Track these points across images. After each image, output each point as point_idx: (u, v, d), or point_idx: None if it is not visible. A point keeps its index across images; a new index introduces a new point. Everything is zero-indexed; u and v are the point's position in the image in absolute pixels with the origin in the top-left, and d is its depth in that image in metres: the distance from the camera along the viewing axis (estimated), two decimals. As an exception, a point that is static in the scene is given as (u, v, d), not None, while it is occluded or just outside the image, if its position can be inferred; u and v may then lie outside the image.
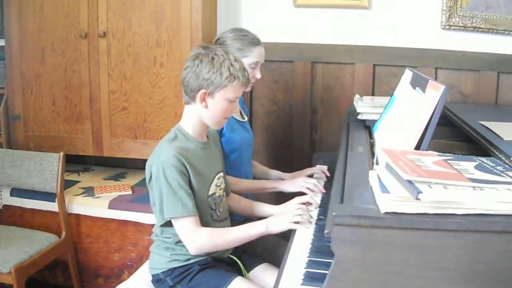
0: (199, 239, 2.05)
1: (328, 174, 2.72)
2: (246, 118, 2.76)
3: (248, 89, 2.65)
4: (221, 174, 2.30)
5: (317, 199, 2.37)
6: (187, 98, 2.16)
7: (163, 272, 2.17)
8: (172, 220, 2.05)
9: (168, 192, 2.02)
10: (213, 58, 2.08)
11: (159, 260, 2.19)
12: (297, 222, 2.05)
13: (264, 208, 2.40)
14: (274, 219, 2.10)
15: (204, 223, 2.11)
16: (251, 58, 2.58)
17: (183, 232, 2.06)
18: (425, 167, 1.45)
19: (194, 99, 2.12)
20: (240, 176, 2.61)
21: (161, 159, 2.03)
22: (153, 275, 2.22)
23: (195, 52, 2.14)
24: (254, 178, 2.87)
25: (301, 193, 2.46)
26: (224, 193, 2.32)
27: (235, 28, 2.78)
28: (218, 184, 2.25)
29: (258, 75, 2.66)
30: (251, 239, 2.12)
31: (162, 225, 2.10)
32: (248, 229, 2.10)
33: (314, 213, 2.22)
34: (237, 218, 2.52)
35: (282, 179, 2.81)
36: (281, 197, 2.63)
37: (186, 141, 2.15)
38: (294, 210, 2.14)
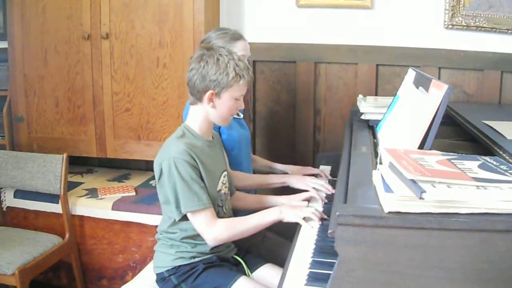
0: (217, 230, 2.07)
1: (329, 177, 2.71)
2: (242, 115, 2.79)
3: None
4: (226, 173, 2.31)
5: (318, 205, 2.35)
6: (193, 99, 2.17)
7: (167, 270, 2.17)
8: (188, 214, 2.07)
9: (183, 187, 2.04)
10: (218, 59, 2.09)
11: (164, 258, 2.20)
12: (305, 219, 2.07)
13: (271, 199, 2.42)
14: (288, 209, 2.13)
15: None
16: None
17: (201, 224, 2.08)
18: (429, 167, 1.45)
19: (201, 100, 2.14)
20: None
21: (172, 155, 2.05)
22: (157, 274, 2.22)
23: (199, 53, 2.15)
24: (256, 172, 2.88)
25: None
26: (229, 192, 2.33)
27: (218, 28, 2.83)
28: (224, 182, 2.27)
29: None
30: (266, 226, 2.15)
31: (179, 220, 2.11)
32: (262, 217, 2.13)
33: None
34: (242, 214, 2.53)
35: (286, 173, 2.84)
36: (286, 193, 2.63)
37: (194, 138, 2.17)
38: (309, 207, 2.17)
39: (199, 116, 2.19)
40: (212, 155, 2.21)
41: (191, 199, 2.04)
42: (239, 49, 2.61)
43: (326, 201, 2.36)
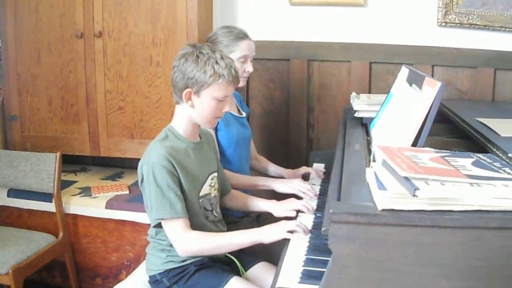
0: (187, 242, 2.02)
1: (322, 177, 2.70)
2: (244, 114, 2.77)
3: (241, 84, 2.61)
4: (215, 174, 2.26)
5: (313, 203, 2.34)
6: (176, 97, 2.13)
7: (159, 273, 2.15)
8: (162, 222, 2.03)
9: (157, 193, 1.99)
10: (197, 57, 2.04)
11: (155, 261, 2.18)
12: (292, 232, 1.99)
13: (257, 203, 2.40)
14: (269, 228, 2.04)
15: (198, 224, 2.09)
16: (238, 52, 2.60)
17: (172, 234, 2.03)
18: (422, 164, 1.45)
19: (182, 99, 2.09)
20: (235, 172, 2.61)
21: (151, 160, 2.01)
22: (150, 276, 2.20)
23: (183, 51, 2.10)
24: (256, 171, 2.88)
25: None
26: (219, 194, 2.30)
27: (224, 25, 2.80)
28: (212, 185, 2.23)
29: (250, 69, 2.66)
30: (242, 247, 2.09)
31: (155, 226, 2.08)
32: (239, 237, 2.06)
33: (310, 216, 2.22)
34: (236, 214, 2.52)
35: (281, 175, 2.85)
36: (277, 197, 2.63)
37: (177, 141, 2.13)
38: (292, 221, 2.08)
39: (183, 117, 2.14)
40: (196, 159, 2.15)
41: (164, 206, 1.99)
42: (242, 48, 2.61)
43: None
